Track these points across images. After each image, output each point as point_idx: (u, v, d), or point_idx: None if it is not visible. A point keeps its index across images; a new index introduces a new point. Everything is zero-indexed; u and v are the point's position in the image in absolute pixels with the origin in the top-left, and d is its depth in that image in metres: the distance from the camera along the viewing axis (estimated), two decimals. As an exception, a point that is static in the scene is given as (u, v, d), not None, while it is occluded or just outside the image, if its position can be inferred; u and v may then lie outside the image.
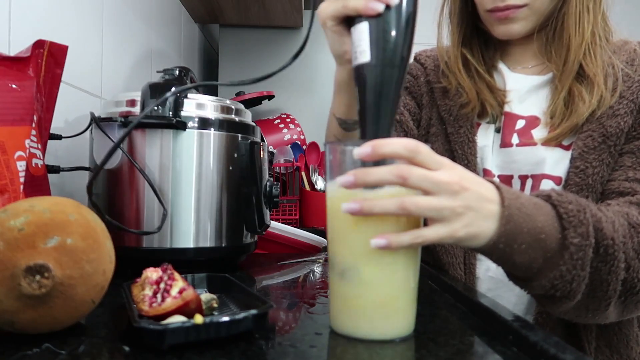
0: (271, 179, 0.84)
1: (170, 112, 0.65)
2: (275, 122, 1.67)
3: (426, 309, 0.55)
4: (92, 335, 0.43)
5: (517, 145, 0.74)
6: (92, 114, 0.70)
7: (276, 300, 0.58)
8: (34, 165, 0.60)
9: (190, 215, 0.68)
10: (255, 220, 0.73)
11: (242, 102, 1.52)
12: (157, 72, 0.76)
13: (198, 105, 0.69)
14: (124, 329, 0.45)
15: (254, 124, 0.77)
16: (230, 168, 0.71)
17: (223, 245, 0.71)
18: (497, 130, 0.77)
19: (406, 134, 0.84)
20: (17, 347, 0.39)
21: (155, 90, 0.66)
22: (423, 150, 0.43)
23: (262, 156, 0.75)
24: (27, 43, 0.64)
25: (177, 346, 0.39)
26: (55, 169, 0.71)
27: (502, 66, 0.80)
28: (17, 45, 0.69)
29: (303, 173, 1.49)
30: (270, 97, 1.69)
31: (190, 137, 0.68)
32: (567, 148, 0.72)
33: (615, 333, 0.70)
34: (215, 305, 0.47)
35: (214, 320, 0.40)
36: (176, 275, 0.45)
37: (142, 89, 0.67)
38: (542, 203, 0.52)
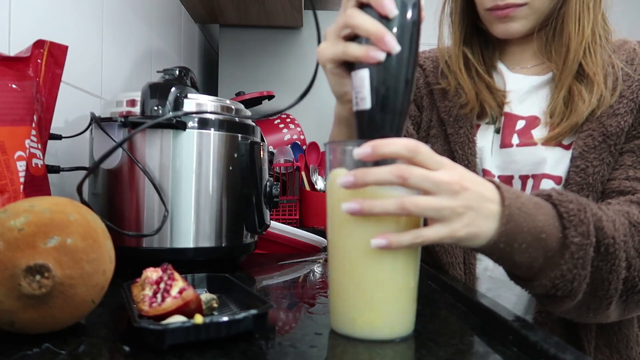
0: (271, 179, 0.84)
1: (170, 112, 0.65)
2: (275, 122, 1.66)
3: (426, 309, 0.55)
4: (92, 335, 0.43)
5: (517, 145, 0.74)
6: (92, 114, 0.70)
7: (276, 300, 0.58)
8: (34, 165, 0.60)
9: (190, 215, 0.68)
10: (255, 220, 0.73)
11: (242, 102, 1.52)
12: (157, 72, 0.76)
13: (198, 105, 0.69)
14: (124, 329, 0.45)
15: (254, 124, 0.77)
16: (230, 168, 0.71)
17: (223, 245, 0.71)
18: (497, 131, 0.77)
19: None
20: (17, 347, 0.39)
21: (155, 90, 0.66)
22: (423, 150, 0.42)
23: (262, 156, 0.75)
24: (27, 43, 0.64)
25: (177, 346, 0.39)
26: (55, 169, 0.71)
27: (501, 66, 0.80)
28: (17, 45, 0.69)
29: (303, 173, 1.49)
30: (270, 97, 1.69)
31: (190, 137, 0.68)
32: (567, 147, 0.72)
33: (615, 333, 0.70)
34: (215, 305, 0.47)
35: (214, 320, 0.40)
36: (176, 275, 0.45)
37: (142, 89, 0.67)
38: (543, 202, 0.52)
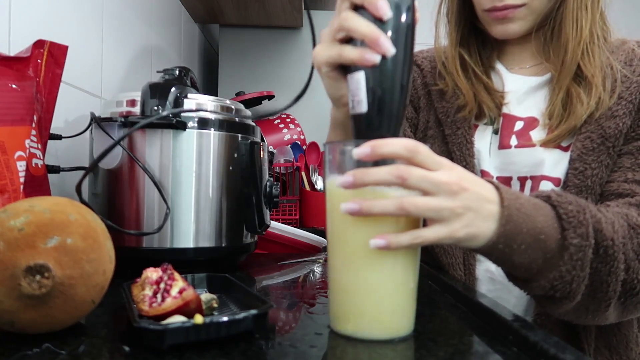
0: (271, 179, 0.84)
1: (169, 111, 0.65)
2: (275, 122, 1.66)
3: (426, 309, 0.54)
4: (92, 335, 0.43)
5: (516, 146, 0.74)
6: (92, 114, 0.70)
7: (276, 300, 0.58)
8: (34, 165, 0.60)
9: (190, 215, 0.68)
10: (255, 220, 0.73)
11: (242, 102, 1.52)
12: (157, 72, 0.76)
13: (198, 105, 0.69)
14: (124, 329, 0.45)
15: (254, 124, 0.77)
16: (230, 168, 0.71)
17: (223, 245, 0.71)
18: (495, 132, 0.77)
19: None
20: (17, 347, 0.39)
21: (155, 90, 0.66)
22: (422, 150, 0.42)
23: (262, 156, 0.75)
24: (27, 43, 0.64)
25: (177, 346, 0.39)
26: (55, 169, 0.72)
27: (499, 67, 0.80)
28: (17, 45, 0.69)
29: (303, 173, 1.49)
30: (270, 97, 1.69)
31: (190, 137, 0.68)
32: (565, 149, 0.71)
33: (614, 334, 0.70)
34: (215, 305, 0.47)
35: (214, 320, 0.40)
36: (176, 275, 0.45)
37: (142, 89, 0.67)
38: (542, 204, 0.52)
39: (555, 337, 0.40)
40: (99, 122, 0.68)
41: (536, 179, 0.73)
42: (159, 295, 0.43)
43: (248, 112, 0.78)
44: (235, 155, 0.72)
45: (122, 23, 1.09)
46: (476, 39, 0.81)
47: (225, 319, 0.40)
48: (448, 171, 0.44)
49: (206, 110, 0.70)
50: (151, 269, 0.48)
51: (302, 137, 1.64)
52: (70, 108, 0.84)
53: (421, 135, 0.84)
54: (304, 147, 1.57)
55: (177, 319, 0.41)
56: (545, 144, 0.72)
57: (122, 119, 0.67)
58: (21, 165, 0.58)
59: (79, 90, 0.89)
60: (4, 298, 0.38)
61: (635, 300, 0.56)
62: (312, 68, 0.53)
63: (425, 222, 0.45)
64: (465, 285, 0.61)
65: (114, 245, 0.46)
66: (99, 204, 0.70)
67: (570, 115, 0.70)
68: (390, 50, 0.44)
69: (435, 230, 0.43)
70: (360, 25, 0.45)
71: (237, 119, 0.73)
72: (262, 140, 0.79)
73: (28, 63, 0.63)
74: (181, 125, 0.67)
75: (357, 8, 0.46)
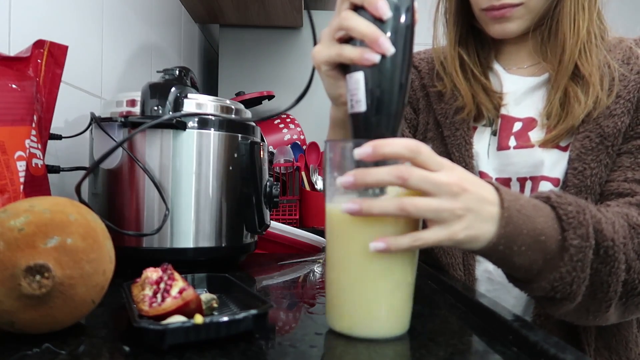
0: (271, 179, 0.84)
1: (170, 112, 0.65)
2: (275, 122, 1.66)
3: (426, 309, 0.54)
4: (92, 335, 0.43)
5: (515, 147, 0.74)
6: (92, 114, 0.70)
7: (276, 300, 0.58)
8: (34, 165, 0.60)
9: (190, 215, 0.68)
10: (255, 220, 0.73)
11: (242, 102, 1.52)
12: (157, 72, 0.76)
13: (198, 105, 0.69)
14: (124, 329, 0.45)
15: (254, 124, 0.77)
16: (230, 168, 0.71)
17: (223, 245, 0.71)
18: (494, 133, 0.77)
19: None
20: (17, 347, 0.39)
21: (155, 90, 0.66)
22: (424, 150, 0.42)
23: (262, 156, 0.75)
24: (27, 43, 0.64)
25: (177, 346, 0.39)
26: (55, 169, 0.72)
27: (497, 67, 0.80)
28: (17, 45, 0.69)
29: (303, 173, 1.49)
30: (270, 97, 1.69)
31: (190, 137, 0.68)
32: (564, 149, 0.71)
33: (614, 335, 0.70)
34: (215, 305, 0.47)
35: (214, 320, 0.40)
36: (176, 275, 0.45)
37: (142, 89, 0.67)
38: (542, 205, 0.52)
39: (555, 337, 0.40)
40: (99, 122, 0.68)
41: (536, 180, 0.72)
42: (159, 295, 0.43)
43: (248, 112, 0.78)
44: (235, 155, 0.72)
45: (122, 23, 1.09)
46: (474, 38, 0.80)
47: (225, 319, 0.40)
48: (449, 172, 0.44)
49: (207, 114, 0.70)
50: (151, 269, 0.48)
51: (302, 137, 1.64)
52: (70, 108, 0.84)
53: (421, 137, 0.84)
54: (304, 147, 1.57)
55: (177, 319, 0.41)
56: (543, 144, 0.72)
57: (122, 119, 0.67)
58: (21, 165, 0.58)
59: (79, 90, 0.89)
60: (4, 298, 0.38)
61: (637, 301, 0.56)
62: (313, 68, 0.53)
63: (424, 224, 0.45)
64: (465, 285, 0.61)
65: (114, 245, 0.46)
66: (99, 204, 0.70)
67: (568, 115, 0.69)
68: (390, 49, 0.45)
69: (435, 232, 0.43)
70: (360, 24, 0.45)
71: (237, 119, 0.73)
72: (262, 140, 0.79)
73: (28, 63, 0.63)
74: (181, 125, 0.67)
75: (357, 8, 0.46)
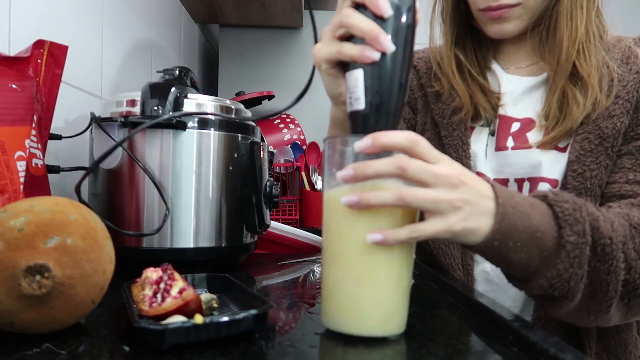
0: (271, 179, 0.84)
1: (170, 112, 0.65)
2: (275, 122, 1.66)
3: (426, 309, 0.55)
4: (92, 335, 0.43)
5: (512, 148, 0.74)
6: (92, 114, 0.70)
7: (276, 300, 0.58)
8: (34, 165, 0.60)
9: (190, 215, 0.68)
10: (255, 220, 0.73)
11: (242, 102, 1.52)
12: (157, 72, 0.76)
13: (198, 105, 0.69)
14: (124, 329, 0.45)
15: (254, 124, 0.77)
16: (230, 168, 0.71)
17: (223, 245, 0.71)
18: (492, 134, 0.77)
19: None
20: (17, 347, 0.39)
21: (155, 90, 0.66)
22: (422, 142, 0.43)
23: (262, 156, 0.75)
24: (27, 43, 0.64)
25: (177, 346, 0.39)
26: (55, 169, 0.72)
27: (496, 67, 0.79)
28: (17, 45, 0.69)
29: (303, 173, 1.49)
30: (270, 97, 1.69)
31: (190, 137, 0.68)
32: (562, 150, 0.71)
33: (613, 337, 0.70)
34: (215, 305, 0.47)
35: (214, 320, 0.40)
36: (176, 275, 0.45)
37: (142, 89, 0.67)
38: (538, 202, 0.52)
39: (555, 337, 0.40)
40: (99, 122, 0.68)
41: (534, 181, 0.72)
42: (159, 295, 0.43)
43: (248, 112, 0.78)
44: (235, 155, 0.72)
45: (122, 23, 1.09)
46: (472, 38, 0.80)
47: (225, 319, 0.40)
48: (447, 165, 0.44)
49: (207, 113, 0.70)
50: (151, 269, 0.48)
51: (302, 137, 1.64)
52: (70, 108, 0.84)
53: None
54: (304, 147, 1.57)
55: (177, 319, 0.41)
56: (541, 145, 0.71)
57: (122, 119, 0.67)
58: (21, 165, 0.58)
59: (79, 90, 0.89)
60: (4, 298, 0.38)
61: (639, 301, 0.56)
62: (314, 67, 0.53)
63: (422, 218, 0.45)
64: (464, 285, 0.61)
65: (114, 245, 0.46)
66: (99, 204, 0.70)
67: (567, 117, 0.69)
68: (390, 48, 0.45)
69: (433, 224, 0.43)
70: (361, 22, 0.45)
71: (237, 119, 0.73)
72: (262, 140, 0.79)
73: (28, 63, 0.63)
74: (181, 125, 0.67)
75: (358, 6, 0.46)
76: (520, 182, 0.73)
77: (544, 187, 0.71)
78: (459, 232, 0.45)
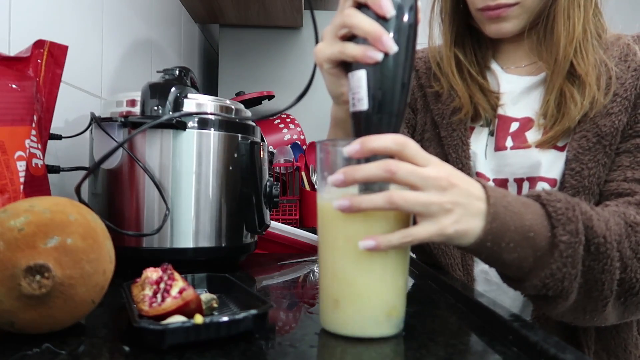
0: (271, 179, 0.84)
1: (170, 112, 0.65)
2: (275, 122, 1.66)
3: (426, 309, 0.55)
4: (92, 335, 0.43)
5: (511, 148, 0.74)
6: (92, 114, 0.70)
7: (276, 300, 0.58)
8: (34, 165, 0.60)
9: (190, 215, 0.68)
10: (255, 220, 0.73)
11: (242, 102, 1.52)
12: (157, 72, 0.76)
13: (198, 105, 0.69)
14: (124, 329, 0.45)
15: (254, 124, 0.77)
16: (230, 168, 0.71)
17: (223, 245, 0.71)
18: (491, 134, 0.77)
19: None
20: (17, 347, 0.39)
21: (155, 90, 0.66)
22: (411, 144, 0.43)
23: (262, 156, 0.75)
24: (27, 43, 0.64)
25: (177, 346, 0.39)
26: (55, 169, 0.71)
27: (495, 66, 0.79)
28: (17, 45, 0.69)
29: (303, 173, 1.49)
30: (270, 97, 1.69)
31: (190, 137, 0.68)
32: (561, 149, 0.71)
33: (612, 337, 0.69)
34: (215, 305, 0.47)
35: (214, 320, 0.40)
36: (176, 275, 0.45)
37: (142, 89, 0.67)
38: (531, 202, 0.52)
39: (555, 337, 0.40)
40: (99, 122, 0.68)
41: (533, 181, 0.72)
42: (159, 295, 0.43)
43: (248, 112, 0.78)
44: (235, 155, 0.72)
45: (122, 23, 1.09)
46: (471, 38, 0.80)
47: (225, 319, 0.40)
48: (437, 167, 0.44)
49: (207, 113, 0.70)
50: (151, 269, 0.48)
51: (302, 137, 1.64)
52: (70, 108, 0.84)
53: (419, 138, 0.84)
54: (304, 147, 1.57)
55: (177, 319, 0.41)
56: (540, 145, 0.71)
57: (122, 119, 0.67)
58: (21, 165, 0.58)
59: (79, 90, 0.89)
60: (4, 298, 0.38)
61: (636, 300, 0.55)
62: (315, 66, 0.53)
63: (414, 222, 0.45)
64: (464, 285, 0.61)
65: (114, 245, 0.46)
66: (99, 204, 0.70)
67: (565, 116, 0.69)
68: (393, 48, 0.45)
69: (425, 228, 0.43)
70: (363, 22, 0.45)
71: (237, 119, 0.73)
72: (262, 140, 0.79)
73: (28, 63, 0.63)
74: (181, 125, 0.67)
75: (361, 6, 0.46)
76: (519, 181, 0.73)
77: (543, 187, 0.71)
78: (452, 235, 0.44)
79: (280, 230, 0.93)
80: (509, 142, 0.74)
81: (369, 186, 0.43)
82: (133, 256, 0.67)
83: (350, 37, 0.47)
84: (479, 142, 0.77)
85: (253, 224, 0.74)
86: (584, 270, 0.52)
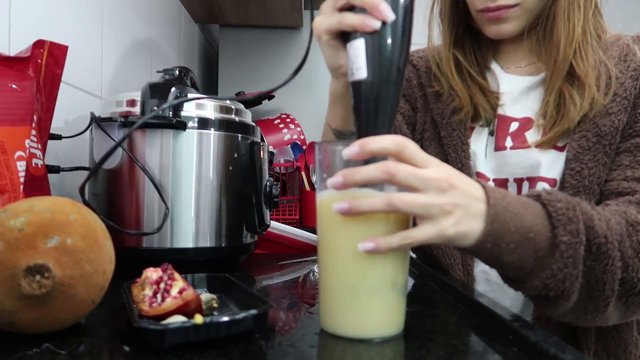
0: (271, 179, 0.84)
1: (170, 112, 0.65)
2: (275, 122, 1.66)
3: (426, 309, 0.55)
4: (92, 335, 0.43)
5: (511, 148, 0.74)
6: (92, 114, 0.70)
7: (276, 300, 0.58)
8: (34, 165, 0.60)
9: (190, 215, 0.68)
10: (255, 220, 0.73)
11: (242, 102, 1.52)
12: (157, 72, 0.76)
13: (198, 105, 0.69)
14: (124, 329, 0.45)
15: (254, 124, 0.77)
16: (230, 168, 0.71)
17: (223, 245, 0.71)
18: (491, 134, 0.77)
19: None
20: (17, 347, 0.39)
21: (155, 90, 0.66)
22: (411, 145, 0.43)
23: (262, 156, 0.75)
24: (27, 43, 0.64)
25: (177, 346, 0.39)
26: (55, 169, 0.71)
27: (495, 66, 0.79)
28: (17, 45, 0.69)
29: (303, 173, 1.49)
30: (270, 97, 1.69)
31: (190, 137, 0.68)
32: (561, 149, 0.71)
33: (613, 337, 0.69)
34: (215, 305, 0.47)
35: (214, 320, 0.40)
36: (176, 275, 0.45)
37: (142, 89, 0.67)
38: (531, 202, 0.51)
39: (555, 337, 0.40)
40: (99, 122, 0.68)
41: (533, 181, 0.72)
42: (159, 295, 0.43)
43: (248, 112, 0.78)
44: (235, 155, 0.72)
45: (122, 23, 1.09)
46: (471, 38, 0.80)
47: (225, 319, 0.40)
48: (436, 168, 0.44)
49: (192, 99, 0.70)
50: (151, 269, 0.48)
51: (302, 137, 1.64)
52: (70, 108, 0.84)
53: (419, 137, 0.84)
54: (304, 147, 1.57)
55: (177, 319, 0.41)
56: (540, 145, 0.71)
57: (122, 119, 0.67)
58: (21, 165, 0.58)
59: (79, 90, 0.89)
60: (4, 298, 0.38)
61: (638, 300, 0.55)
62: (310, 38, 0.54)
63: (414, 224, 0.45)
64: (464, 285, 0.61)
65: (114, 245, 0.46)
66: (99, 204, 0.70)
67: (564, 117, 0.69)
68: (390, 16, 0.46)
69: (425, 229, 0.43)
70: None
71: (237, 119, 0.73)
72: (262, 140, 0.79)
73: (28, 63, 0.63)
74: (181, 125, 0.67)
75: None
76: (519, 181, 0.73)
77: (542, 187, 0.71)
78: (452, 236, 0.44)
79: (280, 230, 0.93)
80: (508, 142, 0.74)
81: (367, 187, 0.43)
82: (133, 256, 0.67)
83: (348, 10, 0.49)
84: (479, 142, 0.77)
85: (253, 224, 0.74)
86: (585, 271, 0.52)
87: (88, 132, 0.74)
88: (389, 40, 0.46)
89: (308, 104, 1.78)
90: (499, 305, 0.49)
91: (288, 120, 1.67)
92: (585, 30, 0.69)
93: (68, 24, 0.85)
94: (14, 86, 0.59)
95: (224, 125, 0.71)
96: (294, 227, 1.01)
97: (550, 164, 0.71)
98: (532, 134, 0.73)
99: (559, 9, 0.69)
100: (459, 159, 0.76)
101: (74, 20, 0.87)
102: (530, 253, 0.49)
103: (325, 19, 0.51)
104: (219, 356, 0.38)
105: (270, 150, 1.53)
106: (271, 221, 0.84)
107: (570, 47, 0.69)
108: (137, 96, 0.67)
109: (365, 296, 0.43)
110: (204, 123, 0.69)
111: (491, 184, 0.66)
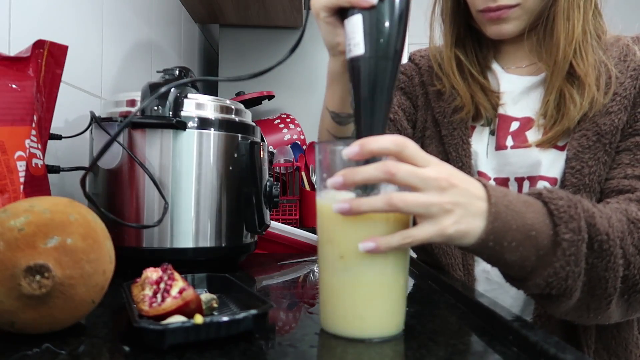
0: (271, 179, 0.84)
1: (170, 112, 0.65)
2: (275, 122, 1.66)
3: (426, 309, 0.55)
4: (92, 335, 0.43)
5: (512, 147, 0.74)
6: (92, 114, 0.70)
7: (276, 300, 0.58)
8: (34, 165, 0.60)
9: (190, 215, 0.68)
10: (255, 220, 0.73)
11: (242, 102, 1.52)
12: (157, 72, 0.76)
13: (198, 105, 0.69)
14: (124, 329, 0.45)
15: (254, 124, 0.77)
16: (230, 168, 0.71)
17: (223, 245, 0.71)
18: (492, 133, 0.77)
19: (399, 132, 0.84)
20: (17, 347, 0.39)
21: (155, 90, 0.66)
22: (411, 145, 0.43)
23: (262, 156, 0.75)
24: (27, 43, 0.64)
25: (177, 346, 0.39)
26: (55, 169, 0.72)
27: (496, 66, 0.80)
28: (17, 45, 0.69)
29: (303, 173, 1.49)
30: (270, 97, 1.69)
31: (190, 137, 0.68)
32: (561, 148, 0.71)
33: (613, 336, 0.69)
34: (215, 305, 0.47)
35: (214, 320, 0.40)
36: (176, 275, 0.45)
37: (142, 89, 0.67)
38: (533, 200, 0.51)
39: (555, 337, 0.40)
40: (99, 121, 0.68)
41: (534, 180, 0.72)
42: (159, 295, 0.43)
43: (248, 112, 0.78)
44: (235, 155, 0.72)
45: (122, 23, 1.09)
46: (472, 38, 0.80)
47: (225, 319, 0.40)
48: (436, 167, 0.44)
49: (182, 82, 0.70)
50: (151, 269, 0.48)
51: (302, 137, 1.64)
52: (70, 108, 0.84)
53: (419, 135, 0.84)
54: (304, 147, 1.57)
55: (177, 319, 0.41)
56: (540, 144, 0.72)
57: (122, 119, 0.67)
58: (21, 165, 0.58)
59: (79, 90, 0.89)
60: (4, 298, 0.38)
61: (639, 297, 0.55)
62: (307, 14, 0.54)
63: (414, 223, 0.45)
64: (464, 285, 0.61)
65: (114, 245, 0.46)
66: (100, 204, 0.70)
67: (564, 116, 0.69)
68: None
69: (425, 229, 0.43)
70: None
71: (237, 119, 0.73)
72: (262, 140, 0.79)
73: (28, 63, 0.63)
74: (181, 125, 0.67)
75: None
76: (520, 181, 0.74)
77: (544, 185, 0.71)
78: (452, 235, 0.44)
79: (280, 230, 0.93)
80: (509, 142, 0.75)
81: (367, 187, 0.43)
82: (133, 256, 0.67)
83: None
84: (481, 142, 0.77)
85: (253, 224, 0.74)
86: (587, 268, 0.52)
87: (88, 132, 0.74)
88: (387, 16, 0.47)
89: (308, 104, 1.78)
90: (499, 306, 0.49)
91: (288, 120, 1.67)
92: (585, 30, 0.70)
93: (68, 24, 0.85)
94: (14, 86, 0.59)
95: (224, 125, 0.71)
96: (294, 227, 1.01)
97: (551, 163, 0.71)
98: (533, 134, 0.73)
99: (559, 9, 0.69)
100: (460, 158, 0.76)
101: (74, 20, 0.87)
102: (532, 251, 0.49)
103: None
104: (219, 356, 0.38)
105: (270, 150, 1.53)
106: (271, 221, 0.84)
107: (570, 47, 0.69)
108: (137, 96, 0.67)
109: (365, 296, 0.43)
110: (204, 123, 0.69)
111: (492, 183, 0.65)
